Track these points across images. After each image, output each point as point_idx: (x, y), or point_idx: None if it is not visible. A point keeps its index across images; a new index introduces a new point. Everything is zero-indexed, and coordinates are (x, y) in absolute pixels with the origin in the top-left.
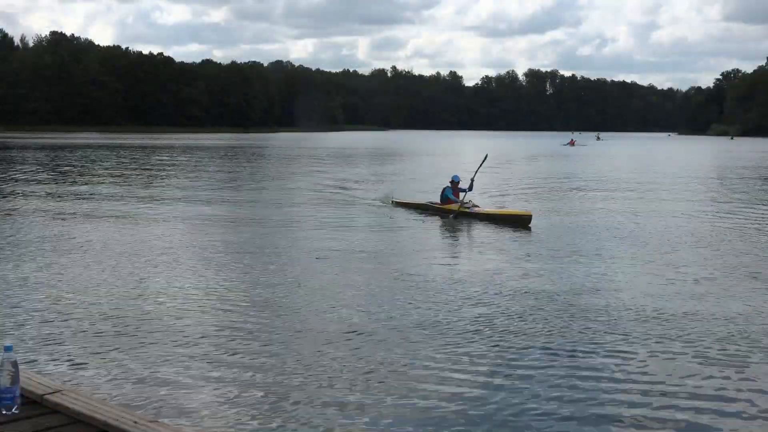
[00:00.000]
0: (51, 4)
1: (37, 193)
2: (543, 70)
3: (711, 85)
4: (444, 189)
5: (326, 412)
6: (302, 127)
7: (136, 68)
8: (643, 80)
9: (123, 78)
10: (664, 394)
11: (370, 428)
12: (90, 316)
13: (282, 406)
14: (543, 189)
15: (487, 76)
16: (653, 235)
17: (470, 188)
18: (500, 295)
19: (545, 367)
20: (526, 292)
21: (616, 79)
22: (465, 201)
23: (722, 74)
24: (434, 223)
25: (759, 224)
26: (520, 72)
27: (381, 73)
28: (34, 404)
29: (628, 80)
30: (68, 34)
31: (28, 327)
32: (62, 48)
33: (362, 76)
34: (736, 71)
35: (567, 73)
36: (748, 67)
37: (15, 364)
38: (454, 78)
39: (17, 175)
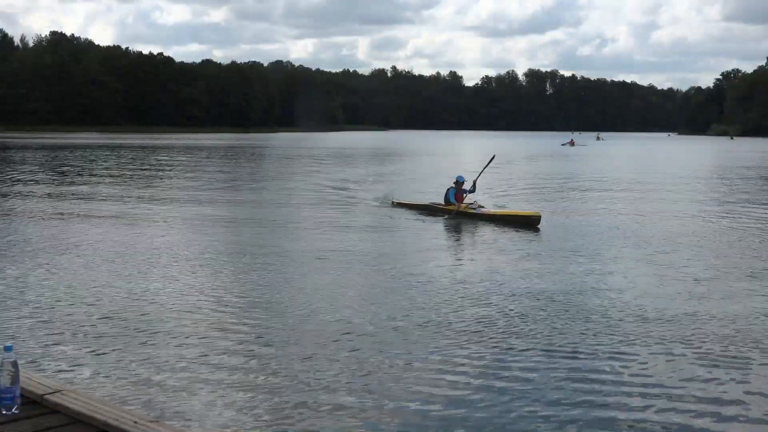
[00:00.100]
0: (51, 4)
1: (37, 193)
2: (543, 70)
3: (711, 85)
4: (448, 189)
5: (327, 412)
6: (302, 127)
7: (136, 68)
8: (643, 80)
9: (123, 78)
10: (665, 395)
11: (370, 429)
12: (90, 316)
13: (282, 407)
14: (543, 189)
15: (487, 76)
16: (654, 236)
17: (473, 189)
18: (502, 296)
19: (546, 368)
20: (527, 293)
21: (616, 79)
22: (470, 202)
23: (722, 74)
24: (436, 224)
25: (759, 224)
26: (520, 72)
27: (381, 73)
28: (34, 404)
29: (628, 80)
30: (68, 34)
31: (28, 327)
32: (62, 48)
33: (362, 76)
34: (736, 71)
35: (567, 73)
36: (748, 67)
37: (15, 364)
38: (454, 78)
39: (17, 175)
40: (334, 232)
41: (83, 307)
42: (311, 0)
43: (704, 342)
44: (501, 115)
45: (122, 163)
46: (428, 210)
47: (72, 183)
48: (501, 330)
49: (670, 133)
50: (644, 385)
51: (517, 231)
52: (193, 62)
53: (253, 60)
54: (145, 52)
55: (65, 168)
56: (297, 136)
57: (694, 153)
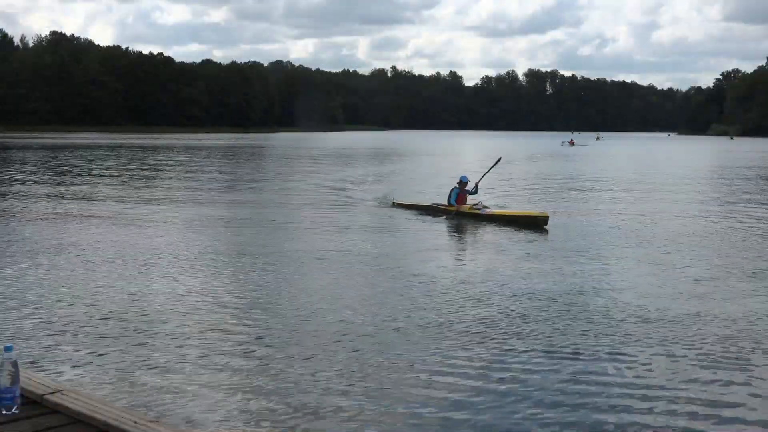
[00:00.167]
0: (51, 4)
1: (37, 193)
2: (543, 70)
3: (711, 85)
4: (452, 189)
5: (327, 413)
6: (302, 127)
7: (136, 68)
8: (643, 80)
9: (123, 78)
10: (666, 396)
11: (371, 430)
12: (90, 316)
13: (282, 407)
14: (544, 189)
15: (487, 76)
16: (655, 236)
17: (475, 191)
18: (503, 296)
19: (548, 370)
20: (528, 293)
21: (616, 79)
22: (475, 203)
23: (722, 74)
24: (437, 224)
25: (760, 224)
26: (520, 72)
27: (381, 73)
28: (34, 404)
29: (628, 80)
30: (68, 34)
31: (28, 327)
32: (62, 48)
33: (362, 76)
34: (736, 71)
35: (567, 73)
36: (748, 67)
37: (15, 364)
38: (454, 78)
39: (17, 175)
40: (334, 232)
41: (83, 308)
42: (311, 0)
43: (706, 343)
44: (501, 115)
45: (122, 163)
46: (428, 210)
47: (72, 183)
48: (502, 331)
49: (670, 133)
50: (646, 387)
51: (517, 231)
52: (193, 62)
53: (253, 60)
54: (145, 52)
55: (65, 168)
56: (297, 136)
57: (694, 153)
